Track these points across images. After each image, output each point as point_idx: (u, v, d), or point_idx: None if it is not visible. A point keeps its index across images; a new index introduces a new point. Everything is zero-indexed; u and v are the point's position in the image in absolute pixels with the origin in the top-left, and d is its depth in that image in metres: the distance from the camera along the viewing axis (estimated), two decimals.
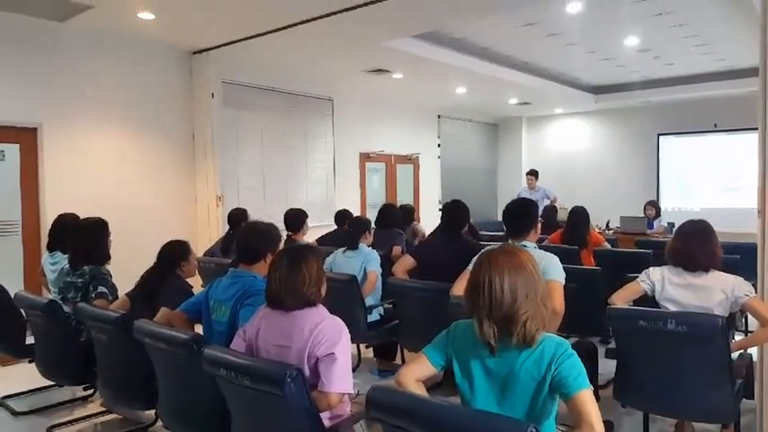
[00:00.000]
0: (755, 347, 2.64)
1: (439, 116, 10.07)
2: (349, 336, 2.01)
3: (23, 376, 3.80)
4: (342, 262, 4.15)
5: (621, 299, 2.71)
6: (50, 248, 3.80)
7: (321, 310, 2.06)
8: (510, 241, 2.78)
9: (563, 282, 2.67)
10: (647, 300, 2.74)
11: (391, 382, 1.80)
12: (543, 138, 11.13)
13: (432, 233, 4.33)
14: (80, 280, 3.21)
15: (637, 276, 2.84)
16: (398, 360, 4.16)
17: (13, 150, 4.81)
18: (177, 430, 2.63)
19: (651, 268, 2.78)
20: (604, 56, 7.03)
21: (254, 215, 5.03)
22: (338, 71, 6.77)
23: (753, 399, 2.63)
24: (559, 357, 1.53)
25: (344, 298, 3.67)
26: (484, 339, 1.58)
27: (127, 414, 3.39)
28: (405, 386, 1.70)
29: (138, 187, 5.50)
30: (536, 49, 6.65)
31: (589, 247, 4.97)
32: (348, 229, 4.41)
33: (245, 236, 2.71)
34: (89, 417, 3.48)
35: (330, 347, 1.93)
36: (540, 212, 5.68)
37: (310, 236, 5.20)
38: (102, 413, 3.50)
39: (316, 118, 7.84)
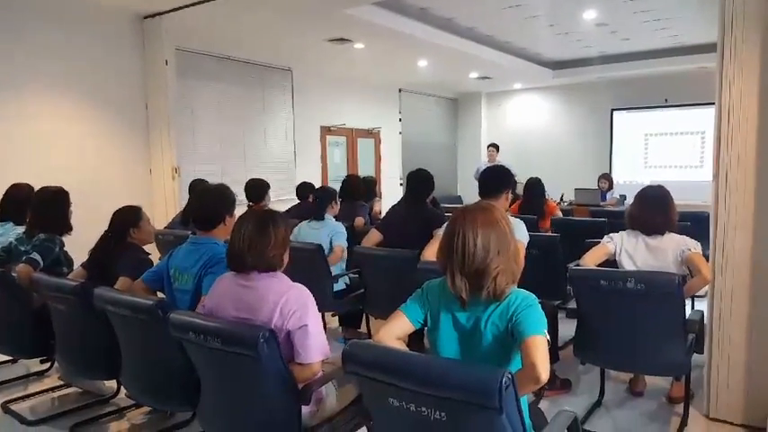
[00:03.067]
0: (706, 306, 2.79)
1: (400, 90, 10.03)
2: (314, 300, 1.99)
3: None
4: (307, 233, 4.11)
5: (592, 260, 2.82)
6: (1, 219, 3.61)
7: (283, 278, 2.01)
8: None
9: (525, 244, 2.79)
10: (608, 262, 2.86)
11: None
12: (502, 113, 11.28)
13: (397, 203, 4.33)
14: (29, 247, 3.06)
15: (594, 242, 2.97)
16: (363, 328, 4.19)
17: None
18: (142, 399, 2.58)
19: (613, 234, 2.90)
20: (563, 29, 7.13)
21: None
22: (298, 40, 6.58)
23: (702, 353, 2.79)
24: (523, 306, 1.58)
25: (310, 267, 3.65)
26: (455, 293, 1.61)
27: (87, 387, 3.29)
28: (385, 344, 1.69)
29: (89, 158, 5.24)
30: (498, 21, 6.67)
31: (545, 216, 5.14)
32: (315, 200, 4.35)
33: (199, 201, 2.63)
34: (46, 391, 3.36)
35: (301, 319, 1.90)
36: None
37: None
38: (59, 387, 3.39)
39: (275, 89, 7.65)
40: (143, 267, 2.69)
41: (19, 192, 3.61)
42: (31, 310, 2.92)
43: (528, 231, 2.92)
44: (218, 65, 6.88)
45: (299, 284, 2.00)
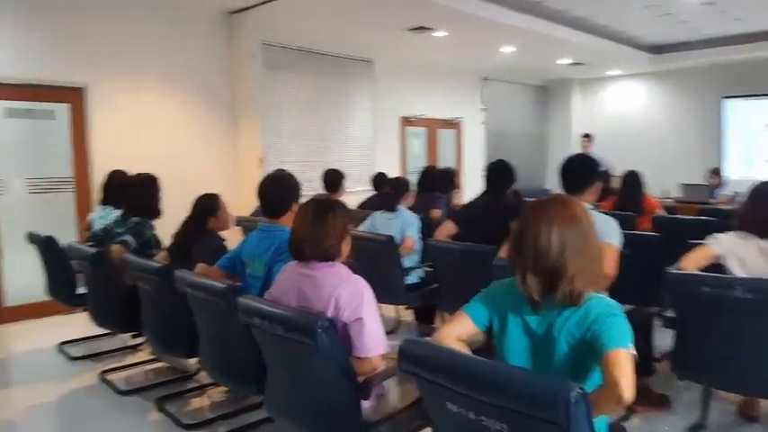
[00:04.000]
0: None
1: (484, 78, 9.71)
2: (371, 292, 1.92)
3: (80, 324, 3.98)
4: (380, 224, 4.07)
5: (693, 262, 2.49)
6: (104, 203, 3.95)
7: (341, 269, 1.97)
8: None
9: (618, 246, 2.49)
10: (713, 266, 2.52)
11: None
12: (596, 101, 10.58)
13: (477, 196, 4.16)
14: (124, 230, 3.29)
15: (698, 243, 2.61)
16: (438, 323, 4.09)
17: (62, 110, 4.93)
18: (217, 379, 2.67)
19: (718, 234, 2.55)
20: (665, 10, 6.50)
21: None
22: (379, 31, 6.53)
23: None
24: (605, 315, 1.39)
25: (381, 259, 3.61)
26: (526, 293, 1.46)
27: (174, 363, 3.49)
28: (444, 344, 1.58)
29: (181, 147, 5.57)
30: (592, 2, 6.22)
31: (645, 213, 4.69)
32: (389, 192, 4.30)
33: (268, 189, 2.65)
34: (139, 364, 3.61)
35: (356, 312, 1.86)
36: None
37: (350, 201, 5.14)
38: (150, 361, 3.62)
39: (356, 80, 7.68)
40: (219, 254, 2.78)
41: (116, 178, 3.92)
42: (124, 288, 3.13)
43: (623, 229, 2.63)
44: (300, 58, 7.01)
45: (357, 276, 1.95)
